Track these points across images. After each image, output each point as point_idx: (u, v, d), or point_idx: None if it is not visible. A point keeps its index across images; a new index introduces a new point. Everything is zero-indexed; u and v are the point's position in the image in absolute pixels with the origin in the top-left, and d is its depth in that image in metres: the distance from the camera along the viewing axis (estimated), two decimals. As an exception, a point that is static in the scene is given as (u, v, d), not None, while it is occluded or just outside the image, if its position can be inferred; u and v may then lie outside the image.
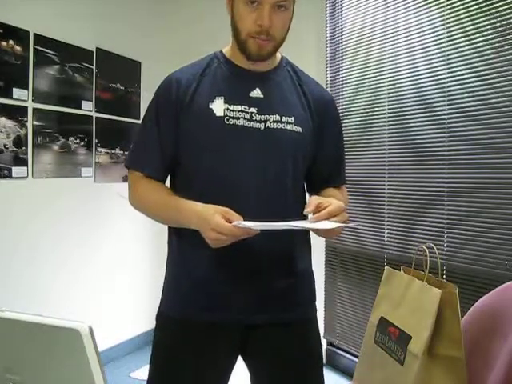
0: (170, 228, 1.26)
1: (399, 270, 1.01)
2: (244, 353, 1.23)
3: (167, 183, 1.27)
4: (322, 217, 1.04)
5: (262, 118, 1.16)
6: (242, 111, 1.15)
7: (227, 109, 1.15)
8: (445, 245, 2.26)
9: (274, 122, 1.17)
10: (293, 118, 1.18)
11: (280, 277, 1.19)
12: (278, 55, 1.26)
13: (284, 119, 1.17)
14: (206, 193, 1.14)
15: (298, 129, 1.18)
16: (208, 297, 1.17)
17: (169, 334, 1.21)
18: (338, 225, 1.02)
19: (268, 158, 1.16)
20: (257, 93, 1.18)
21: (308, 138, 1.21)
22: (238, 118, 1.15)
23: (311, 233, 1.25)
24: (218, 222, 1.01)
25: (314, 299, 1.30)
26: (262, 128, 1.16)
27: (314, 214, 1.05)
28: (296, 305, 1.23)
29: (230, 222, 1.01)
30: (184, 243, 1.20)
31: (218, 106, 1.15)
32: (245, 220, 1.02)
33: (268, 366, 1.23)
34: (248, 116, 1.16)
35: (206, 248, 1.07)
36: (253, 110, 1.16)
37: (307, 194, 1.33)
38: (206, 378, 1.19)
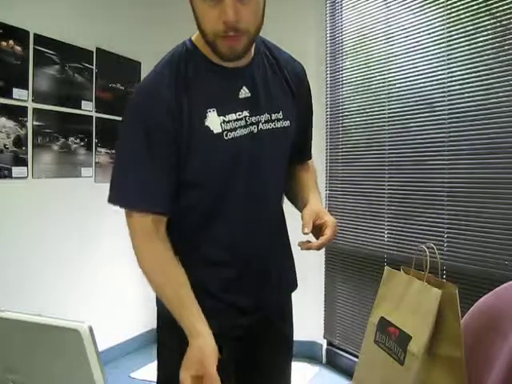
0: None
1: (399, 270, 1.01)
2: None
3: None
4: (323, 245, 1.10)
5: (254, 119, 1.10)
6: (236, 120, 1.07)
7: (223, 122, 1.05)
8: (445, 245, 2.26)
9: (265, 122, 1.11)
10: (281, 113, 1.13)
11: (276, 270, 1.21)
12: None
13: (274, 116, 1.12)
14: (206, 214, 1.11)
15: (287, 123, 1.15)
16: (204, 303, 1.08)
17: (167, 330, 1.18)
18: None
19: (263, 161, 1.12)
20: (245, 92, 1.09)
21: (294, 126, 1.17)
22: (235, 129, 1.06)
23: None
24: (206, 366, 0.96)
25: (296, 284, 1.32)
26: (255, 131, 1.10)
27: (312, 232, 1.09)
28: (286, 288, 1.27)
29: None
30: (180, 247, 1.14)
31: (213, 122, 1.04)
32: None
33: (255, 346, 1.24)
34: (243, 122, 1.08)
35: (200, 253, 1.11)
36: (245, 113, 1.08)
37: None
38: None
